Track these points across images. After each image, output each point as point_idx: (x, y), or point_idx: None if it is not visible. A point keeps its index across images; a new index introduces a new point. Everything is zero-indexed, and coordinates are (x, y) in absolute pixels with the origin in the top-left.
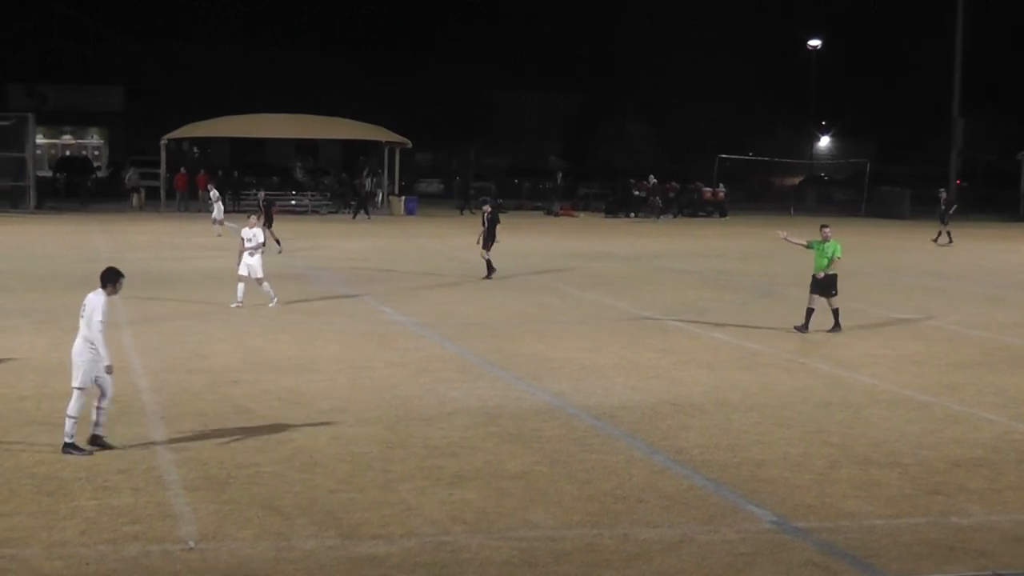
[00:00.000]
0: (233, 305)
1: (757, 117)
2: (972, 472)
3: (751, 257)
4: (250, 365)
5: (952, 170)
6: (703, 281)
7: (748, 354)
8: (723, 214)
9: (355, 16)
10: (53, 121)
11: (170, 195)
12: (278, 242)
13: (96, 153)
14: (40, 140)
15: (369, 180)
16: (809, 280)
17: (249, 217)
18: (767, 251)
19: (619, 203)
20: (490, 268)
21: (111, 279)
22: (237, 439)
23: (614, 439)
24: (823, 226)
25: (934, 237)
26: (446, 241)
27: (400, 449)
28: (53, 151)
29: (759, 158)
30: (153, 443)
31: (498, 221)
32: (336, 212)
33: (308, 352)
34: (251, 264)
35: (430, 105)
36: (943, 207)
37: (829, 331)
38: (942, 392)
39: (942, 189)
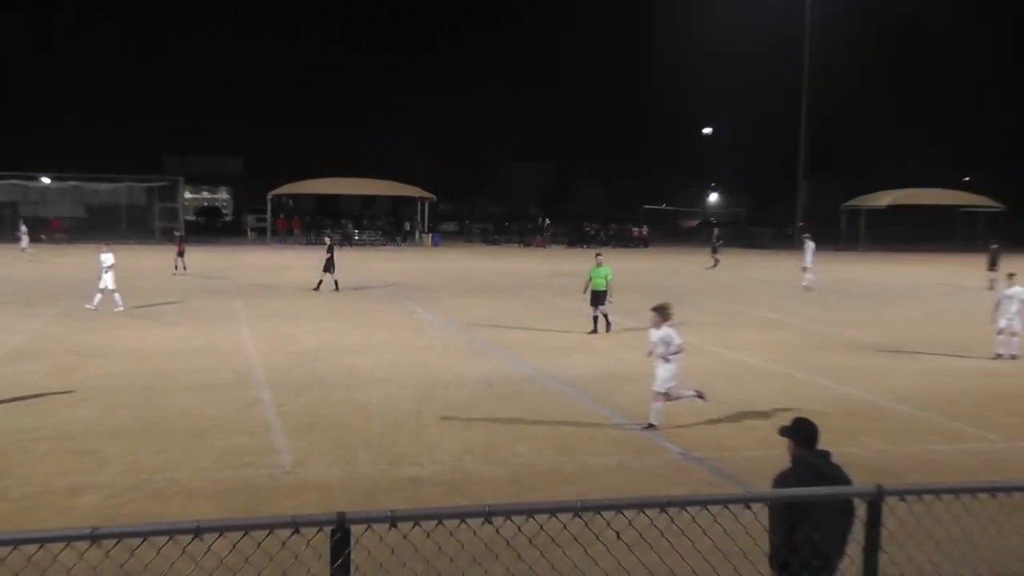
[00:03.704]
0: (89, 306)
1: (668, 179)
2: (815, 420)
3: (668, 274)
4: (326, 348)
5: (797, 216)
6: (634, 289)
7: None
8: (646, 246)
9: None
10: (195, 181)
11: (274, 233)
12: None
13: (224, 204)
14: (187, 195)
15: (407, 223)
16: (699, 291)
17: (101, 245)
18: (678, 271)
19: (577, 238)
20: (331, 285)
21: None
22: (317, 398)
23: (574, 397)
24: (597, 254)
25: (709, 265)
26: (460, 263)
27: (428, 406)
28: (195, 203)
29: (670, 208)
30: (262, 401)
31: (333, 251)
32: (385, 245)
33: (366, 339)
34: (105, 279)
35: (449, 170)
36: (714, 239)
37: (605, 332)
38: (793, 366)
39: (715, 224)
